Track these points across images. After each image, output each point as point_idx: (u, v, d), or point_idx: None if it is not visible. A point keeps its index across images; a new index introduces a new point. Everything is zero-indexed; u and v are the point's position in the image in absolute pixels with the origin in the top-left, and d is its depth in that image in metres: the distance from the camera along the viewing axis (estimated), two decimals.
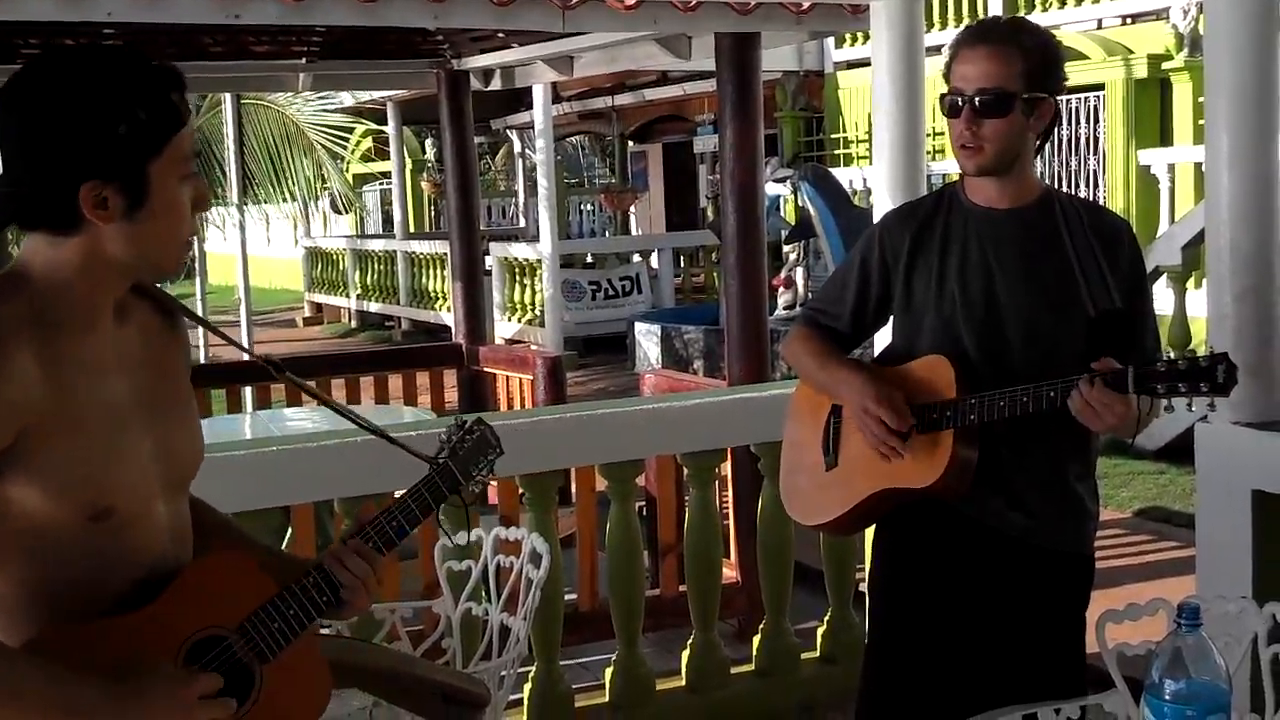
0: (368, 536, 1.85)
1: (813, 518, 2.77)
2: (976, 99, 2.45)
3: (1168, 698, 1.69)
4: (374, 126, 17.62)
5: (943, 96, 2.52)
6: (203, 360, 10.12)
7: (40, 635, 1.62)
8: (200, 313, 6.41)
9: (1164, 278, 8.50)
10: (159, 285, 1.82)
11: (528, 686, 3.95)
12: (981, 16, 13.75)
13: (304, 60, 7.88)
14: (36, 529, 1.59)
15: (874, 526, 2.76)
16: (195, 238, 1.73)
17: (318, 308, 21.24)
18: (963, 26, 2.61)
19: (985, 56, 2.46)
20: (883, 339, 2.88)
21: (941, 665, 2.59)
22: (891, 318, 2.71)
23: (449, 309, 13.65)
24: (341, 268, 19.88)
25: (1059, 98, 2.54)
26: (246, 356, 2.10)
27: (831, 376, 2.65)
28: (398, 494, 4.31)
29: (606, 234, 20.42)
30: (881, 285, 2.66)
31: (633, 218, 21.25)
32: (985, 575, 2.58)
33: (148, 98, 1.60)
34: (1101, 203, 10.03)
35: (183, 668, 1.68)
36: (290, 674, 1.76)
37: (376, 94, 15.66)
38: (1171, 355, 2.29)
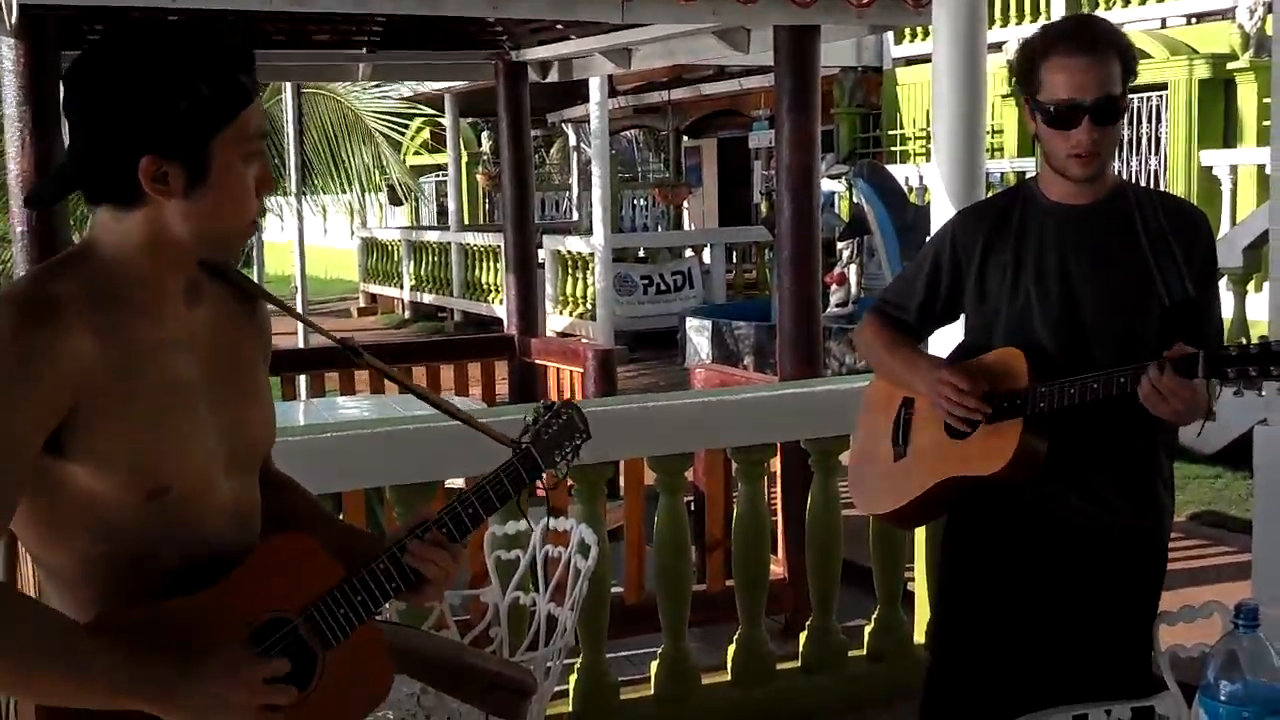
0: (443, 524, 1.82)
1: (878, 507, 2.80)
2: (1094, 109, 2.44)
3: (1223, 699, 1.67)
4: (431, 113, 17.67)
5: (1044, 107, 2.48)
6: None
7: (106, 615, 1.63)
8: None
9: (1224, 280, 8.39)
10: (238, 268, 1.81)
11: (573, 678, 3.96)
12: (1044, 14, 13.62)
13: (364, 50, 7.94)
14: (94, 505, 1.60)
15: (944, 519, 2.76)
16: (260, 219, 1.74)
17: (372, 298, 21.40)
18: (1036, 26, 2.58)
19: (1097, 64, 2.44)
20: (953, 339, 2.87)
21: (1009, 656, 2.59)
22: (964, 315, 2.72)
23: (501, 301, 13.70)
24: (396, 259, 20.02)
25: None
26: (328, 341, 2.11)
27: (901, 362, 2.70)
28: (448, 483, 4.34)
29: (659, 229, 20.42)
30: (952, 281, 2.68)
31: (685, 213, 21.25)
32: (1055, 565, 2.59)
33: (213, 74, 1.59)
34: None
35: (247, 649, 1.67)
36: (353, 660, 1.75)
37: (435, 85, 15.74)
38: (1243, 341, 2.28)
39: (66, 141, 1.63)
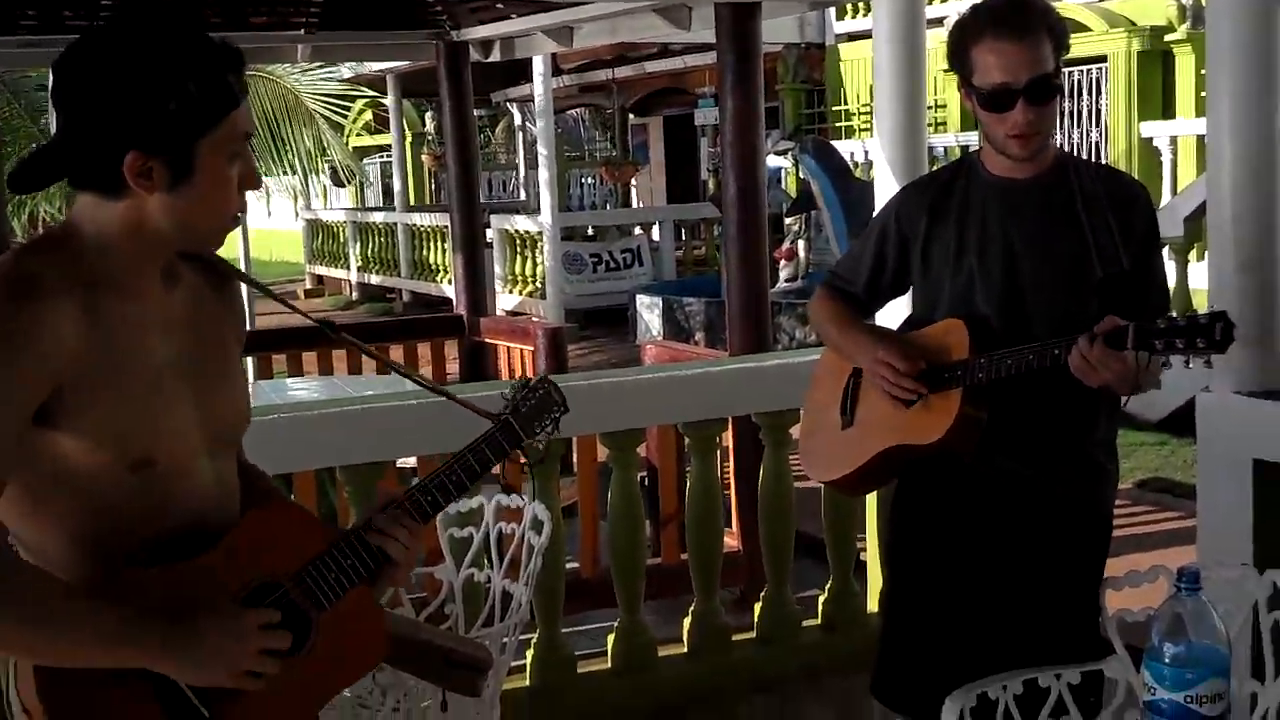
0: (428, 493, 1.85)
1: (827, 474, 2.85)
2: (1029, 90, 2.45)
3: (1168, 661, 1.70)
4: (373, 95, 17.54)
5: (978, 90, 2.48)
6: None
7: (96, 580, 1.65)
8: None
9: (1165, 249, 8.47)
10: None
11: (530, 652, 3.97)
12: None
13: (303, 31, 7.85)
14: (80, 478, 1.62)
15: (892, 488, 2.80)
16: (241, 214, 1.76)
17: (319, 280, 21.24)
18: (967, 6, 2.56)
19: (1029, 46, 2.44)
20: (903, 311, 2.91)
21: (960, 627, 2.62)
22: (910, 287, 2.75)
23: (449, 281, 13.63)
24: (342, 240, 19.87)
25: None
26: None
27: (847, 338, 2.74)
28: (399, 463, 4.31)
29: (607, 207, 20.40)
30: (898, 255, 2.71)
31: (633, 191, 21.22)
32: (1000, 531, 2.62)
33: (202, 74, 1.60)
34: None
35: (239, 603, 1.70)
36: (346, 624, 1.78)
37: (376, 65, 15.60)
38: (1173, 314, 2.31)
39: (53, 127, 1.63)
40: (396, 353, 8.28)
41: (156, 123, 1.58)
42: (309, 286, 21.29)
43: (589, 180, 22.50)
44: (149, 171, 1.60)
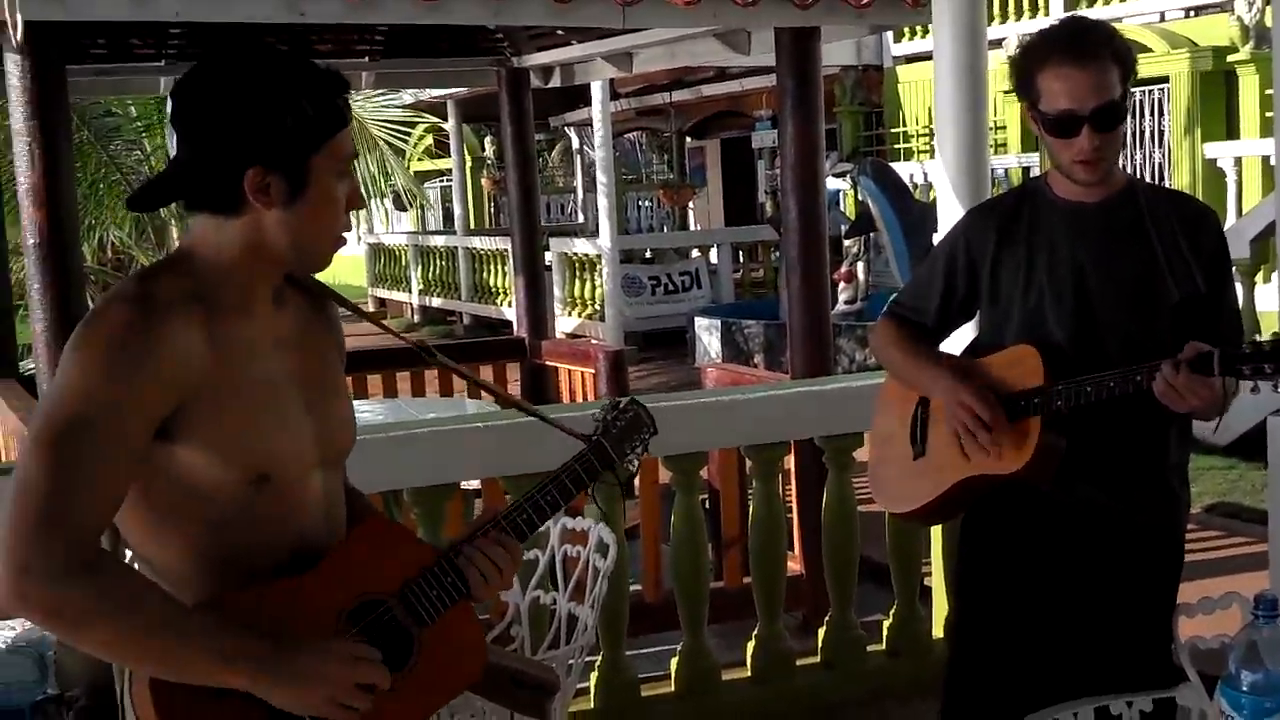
0: (523, 512, 1.90)
1: (901, 505, 2.81)
2: (1094, 117, 2.45)
3: (1245, 689, 1.68)
4: (434, 120, 17.72)
5: (1044, 115, 2.49)
6: None
7: (205, 599, 1.70)
8: None
9: (1233, 271, 8.37)
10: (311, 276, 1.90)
11: (594, 675, 3.98)
12: (1043, 10, 13.62)
13: (366, 58, 7.96)
14: (200, 493, 1.68)
15: (963, 516, 2.77)
16: (346, 234, 1.86)
17: (381, 303, 21.43)
18: (1035, 22, 2.57)
19: (1095, 72, 2.44)
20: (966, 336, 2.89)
21: (1030, 653, 2.60)
22: (978, 313, 2.73)
23: (510, 304, 13.70)
24: (404, 263, 20.05)
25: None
26: (400, 342, 2.40)
27: (921, 371, 2.69)
28: (464, 485, 4.33)
29: (665, 230, 20.44)
30: (967, 281, 2.69)
31: (691, 213, 21.24)
32: (1072, 557, 2.60)
33: (314, 96, 1.71)
34: None
35: (344, 628, 1.74)
36: (448, 639, 1.81)
37: (437, 92, 15.76)
38: (1257, 338, 2.29)
39: (172, 152, 1.74)
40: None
41: (275, 138, 1.67)
42: (371, 309, 21.49)
43: (646, 203, 22.56)
44: (267, 187, 1.69)
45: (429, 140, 20.02)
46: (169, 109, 1.75)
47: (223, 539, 1.70)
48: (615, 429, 2.03)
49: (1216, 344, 2.35)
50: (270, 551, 1.73)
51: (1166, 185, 11.93)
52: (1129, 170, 11.74)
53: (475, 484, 4.87)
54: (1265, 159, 10.61)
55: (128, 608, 1.60)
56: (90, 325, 1.64)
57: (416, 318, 19.70)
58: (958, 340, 2.94)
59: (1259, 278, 8.58)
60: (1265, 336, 2.40)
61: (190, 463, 1.66)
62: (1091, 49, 2.46)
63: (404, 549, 1.84)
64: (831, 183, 13.21)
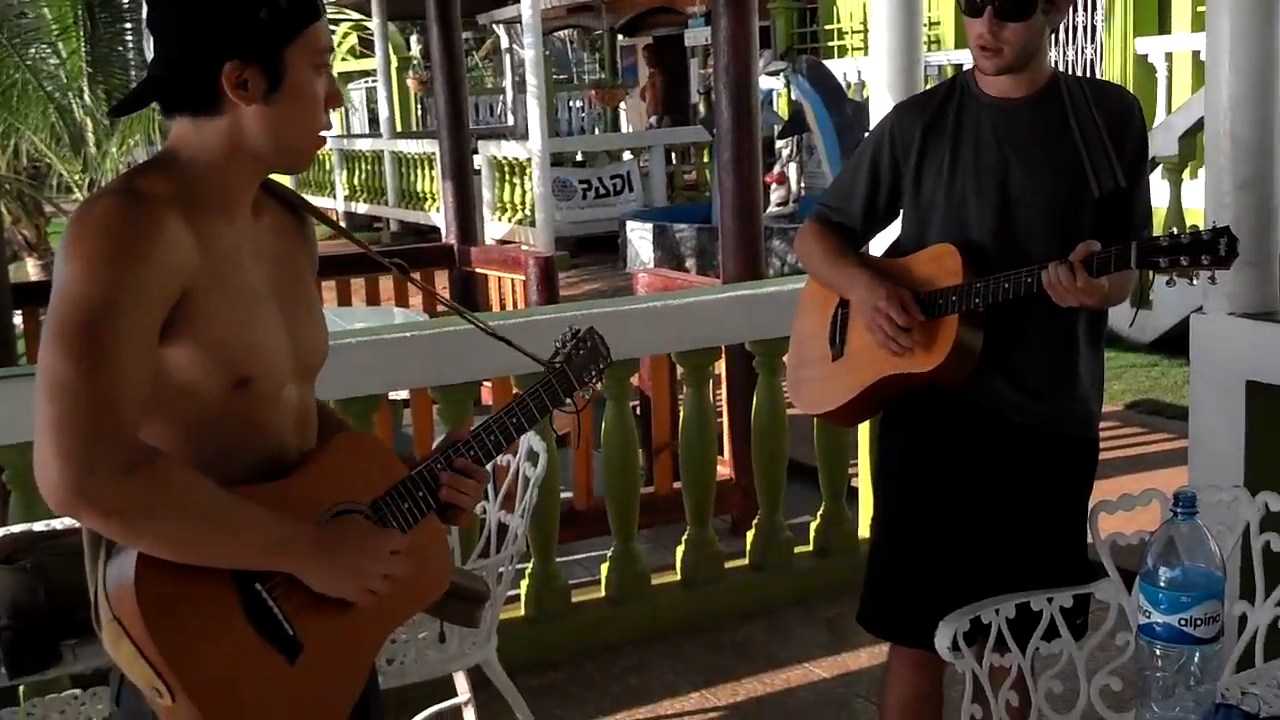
0: (486, 437, 1.94)
1: (819, 406, 2.80)
2: (998, 2, 2.41)
3: (1162, 584, 1.70)
4: (358, 17, 17.32)
5: None
6: None
7: None
8: None
9: (1160, 168, 8.43)
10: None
11: (525, 582, 4.00)
12: None
13: None
14: (187, 391, 1.68)
15: (880, 417, 2.78)
16: (325, 132, 1.82)
17: None
18: None
19: None
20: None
21: (948, 551, 2.62)
22: (902, 211, 2.70)
23: (438, 209, 13.53)
24: (328, 168, 19.67)
25: None
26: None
27: (840, 274, 2.67)
28: (391, 395, 4.29)
29: (596, 131, 20.21)
30: (892, 179, 2.67)
31: (623, 114, 21.02)
32: (991, 460, 2.61)
33: None
34: None
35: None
36: (416, 553, 1.84)
37: None
38: (1174, 231, 2.29)
39: (149, 56, 1.74)
40: (387, 283, 8.22)
41: (251, 30, 1.67)
42: (310, 203, 21.09)
43: (577, 104, 22.28)
44: (245, 83, 1.68)
45: (353, 39, 19.60)
46: (144, 13, 1.73)
47: (204, 440, 1.71)
48: (576, 356, 2.08)
49: (1130, 237, 2.35)
50: (247, 457, 1.74)
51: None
52: (1060, 65, 11.67)
53: (404, 394, 4.83)
54: (1196, 54, 10.62)
55: (185, 497, 1.62)
56: (82, 222, 1.62)
57: (342, 223, 19.41)
58: (883, 240, 2.92)
59: (1186, 174, 8.65)
60: (1194, 224, 2.41)
61: (178, 360, 1.66)
62: None
63: (379, 462, 1.88)
64: (765, 82, 13.09)
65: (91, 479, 1.55)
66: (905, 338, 2.51)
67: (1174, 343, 7.01)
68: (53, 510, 1.58)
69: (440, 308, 8.29)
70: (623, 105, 20.25)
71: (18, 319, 6.38)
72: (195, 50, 1.68)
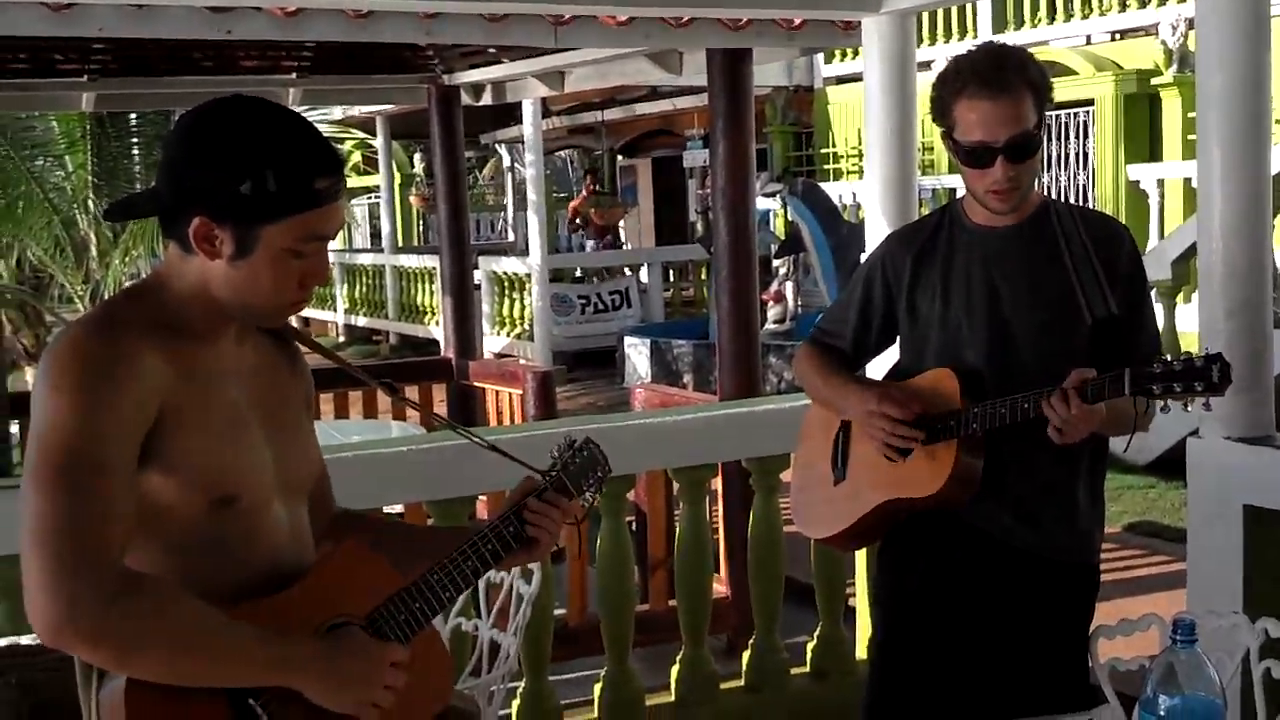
0: (478, 549, 1.92)
1: (821, 531, 2.80)
2: (1008, 148, 2.44)
3: (1162, 714, 1.68)
4: (363, 136, 17.60)
5: (959, 145, 2.48)
6: None
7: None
8: None
9: (1153, 292, 8.49)
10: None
11: (516, 703, 3.93)
12: (971, 32, 13.81)
13: (294, 75, 7.86)
14: (166, 514, 1.69)
15: (880, 540, 2.76)
16: (303, 304, 1.84)
17: (305, 322, 21.17)
18: (965, 44, 2.55)
19: (1008, 104, 2.42)
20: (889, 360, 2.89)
21: (947, 676, 2.59)
22: (898, 338, 2.73)
23: (437, 323, 13.59)
24: (329, 282, 19.84)
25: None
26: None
27: (835, 391, 2.70)
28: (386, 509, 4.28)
29: (596, 248, 20.39)
30: (885, 306, 2.70)
31: (622, 232, 21.25)
32: (991, 586, 2.60)
33: (286, 170, 1.69)
34: None
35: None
36: (420, 663, 1.83)
37: (366, 108, 15.64)
38: (1168, 358, 2.30)
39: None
40: (384, 396, 8.21)
41: (224, 198, 1.67)
42: (296, 329, 21.21)
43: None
44: (214, 240, 1.70)
45: (357, 156, 19.87)
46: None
47: (193, 559, 1.71)
48: (573, 466, 2.04)
49: (1130, 363, 2.36)
50: (240, 574, 1.74)
51: (1090, 207, 12.13)
52: (1053, 191, 11.84)
53: (399, 507, 4.80)
54: (1187, 181, 10.80)
55: (175, 623, 1.62)
56: (58, 356, 1.65)
57: (342, 337, 19.49)
58: (880, 367, 2.94)
59: (1180, 298, 8.73)
60: (1187, 350, 2.42)
61: (155, 484, 1.67)
62: (1006, 79, 2.44)
63: (374, 574, 1.87)
64: (762, 202, 13.27)
65: (75, 611, 1.55)
66: (906, 430, 2.50)
67: (1171, 465, 7.00)
68: (44, 644, 1.59)
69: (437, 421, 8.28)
70: (622, 223, 20.47)
71: (14, 428, 6.37)
72: (174, 192, 1.71)
